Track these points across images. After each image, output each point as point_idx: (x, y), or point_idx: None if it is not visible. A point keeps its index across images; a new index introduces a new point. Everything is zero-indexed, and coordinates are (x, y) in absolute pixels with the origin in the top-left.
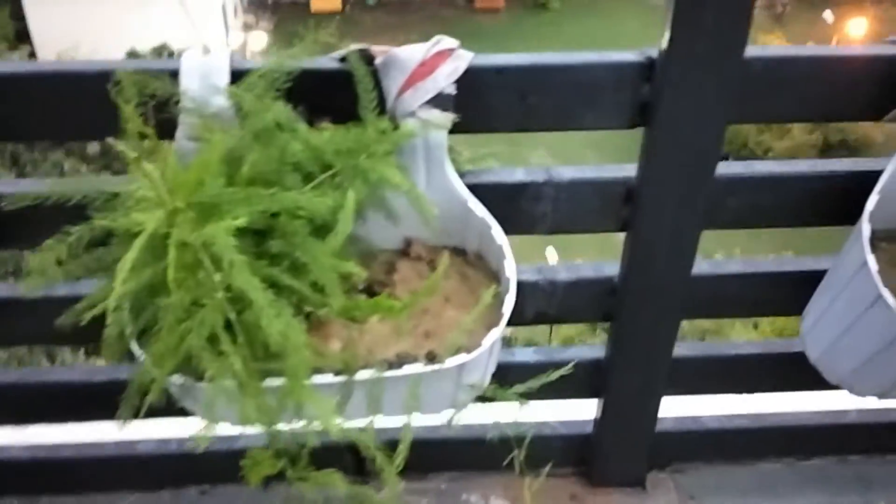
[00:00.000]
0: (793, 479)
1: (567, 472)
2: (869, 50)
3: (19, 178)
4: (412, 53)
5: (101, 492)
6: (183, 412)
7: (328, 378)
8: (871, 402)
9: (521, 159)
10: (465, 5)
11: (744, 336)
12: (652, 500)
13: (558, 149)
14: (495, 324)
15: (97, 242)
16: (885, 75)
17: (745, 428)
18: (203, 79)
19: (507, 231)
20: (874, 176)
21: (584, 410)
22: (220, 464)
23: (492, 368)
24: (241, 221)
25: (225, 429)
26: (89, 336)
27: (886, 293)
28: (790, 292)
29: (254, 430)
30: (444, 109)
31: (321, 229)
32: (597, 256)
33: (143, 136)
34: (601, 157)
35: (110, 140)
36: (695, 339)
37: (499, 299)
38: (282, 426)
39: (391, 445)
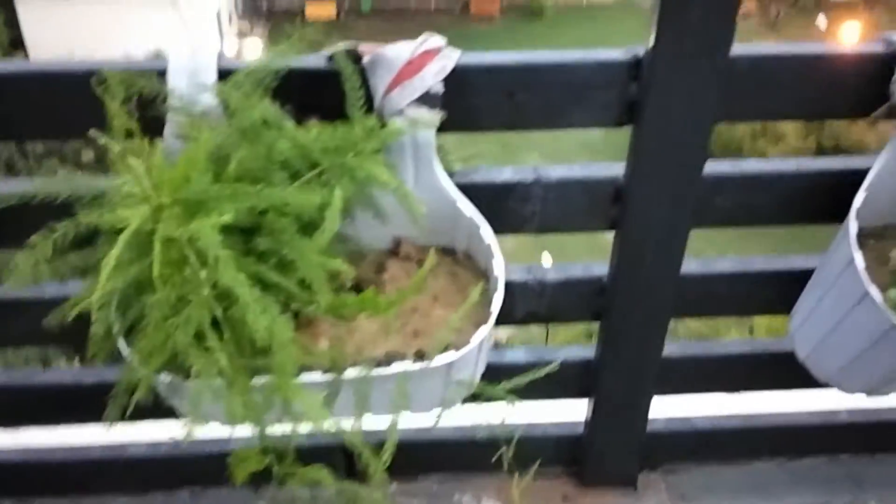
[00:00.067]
0: (784, 478)
1: (559, 473)
2: (854, 48)
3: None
4: (399, 52)
5: (92, 494)
6: (173, 414)
7: (316, 376)
8: (862, 402)
9: (514, 162)
10: (461, 13)
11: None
12: (643, 501)
13: (551, 150)
14: (484, 322)
15: (85, 242)
16: (870, 73)
17: (736, 428)
18: (191, 77)
19: (496, 230)
20: (861, 174)
21: (575, 411)
22: (211, 466)
23: (481, 367)
24: (227, 217)
25: (216, 431)
26: (78, 337)
27: (873, 290)
28: (779, 291)
29: (243, 430)
30: (432, 108)
31: (309, 227)
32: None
33: (129, 134)
34: (595, 158)
35: (94, 134)
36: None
37: (487, 298)
38: (271, 426)
39: (383, 446)
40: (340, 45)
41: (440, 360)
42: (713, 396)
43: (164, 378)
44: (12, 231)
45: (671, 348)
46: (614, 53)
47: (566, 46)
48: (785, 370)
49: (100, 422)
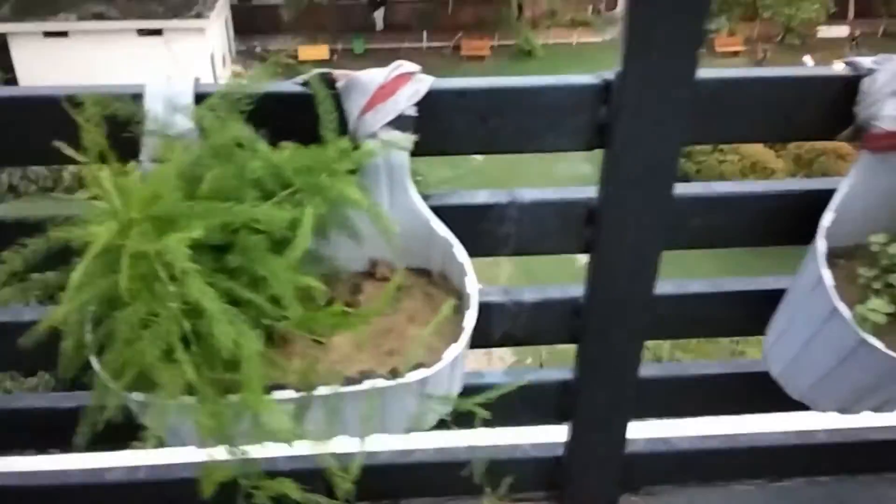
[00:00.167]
0: (764, 500)
1: (540, 497)
2: (818, 71)
3: None
4: (373, 76)
5: None
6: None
7: (288, 393)
8: (840, 422)
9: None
10: (452, 53)
11: None
12: None
13: (545, 184)
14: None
15: (63, 263)
16: (834, 96)
17: (716, 449)
18: (167, 101)
19: (472, 253)
20: (830, 195)
21: (555, 434)
22: (188, 490)
23: (457, 385)
24: (197, 233)
25: (193, 455)
26: (53, 359)
27: (841, 306)
28: (753, 311)
29: (220, 453)
30: (405, 131)
31: (281, 245)
32: None
33: (103, 157)
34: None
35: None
36: None
37: (462, 316)
38: (243, 445)
39: (364, 470)
40: (314, 71)
41: (412, 376)
42: (694, 417)
43: (137, 397)
44: None
45: (648, 369)
46: (584, 78)
47: None
48: (762, 391)
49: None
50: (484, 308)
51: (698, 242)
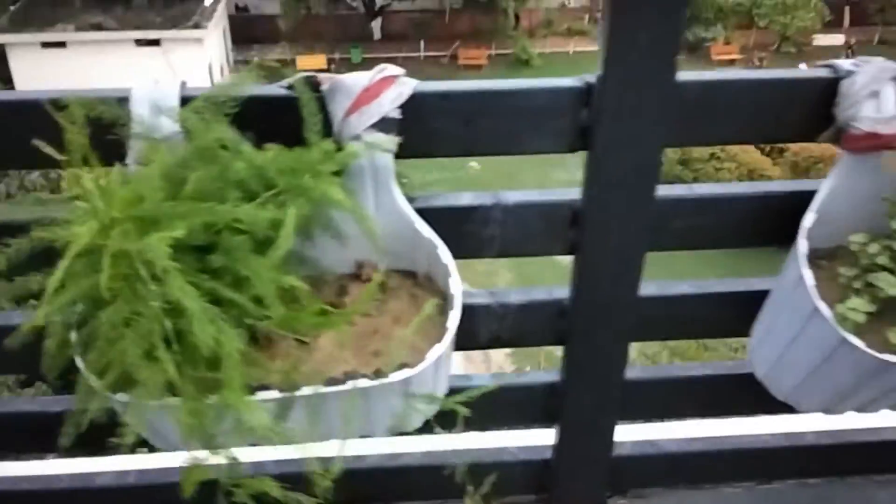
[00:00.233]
0: (753, 502)
1: (528, 500)
2: (799, 74)
3: None
4: (357, 79)
5: None
6: (143, 443)
7: (271, 393)
8: (828, 424)
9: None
10: (449, 62)
11: None
12: None
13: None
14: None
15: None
16: (816, 98)
17: (704, 451)
18: (153, 105)
19: (458, 254)
20: (813, 196)
21: (543, 436)
22: (177, 495)
23: (442, 386)
24: (178, 233)
25: (182, 459)
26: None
27: (822, 305)
28: (739, 312)
29: (205, 456)
30: (389, 133)
31: (264, 245)
32: None
33: (86, 160)
34: None
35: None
36: None
37: (447, 317)
38: (227, 446)
39: (352, 473)
40: (299, 74)
41: (396, 376)
42: (680, 419)
43: (122, 398)
44: None
45: (634, 371)
46: (566, 81)
47: None
48: (749, 392)
49: (67, 451)
50: (470, 310)
51: (682, 244)
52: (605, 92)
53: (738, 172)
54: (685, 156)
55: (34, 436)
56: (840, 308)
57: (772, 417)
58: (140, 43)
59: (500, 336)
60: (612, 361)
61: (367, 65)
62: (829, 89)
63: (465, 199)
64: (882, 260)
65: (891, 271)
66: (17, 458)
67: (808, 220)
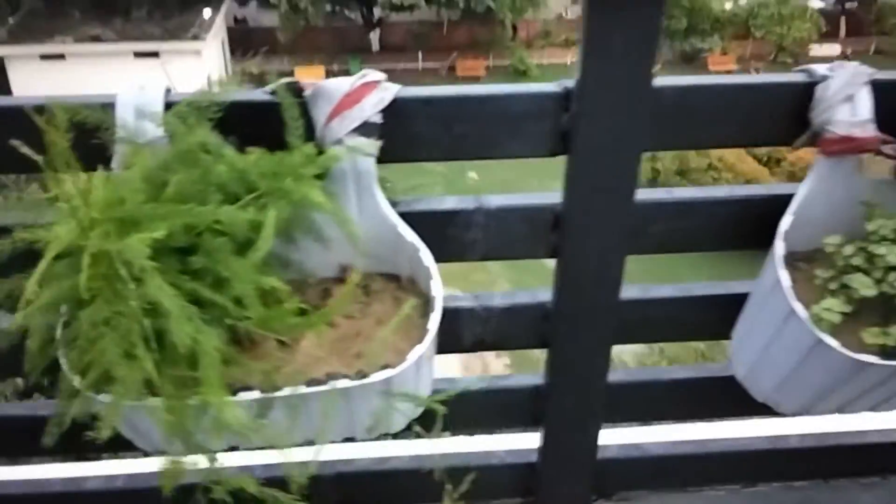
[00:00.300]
0: None
1: (515, 503)
2: (776, 78)
3: None
4: (339, 84)
5: None
6: (130, 446)
7: (252, 394)
8: (812, 427)
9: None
10: (447, 74)
11: None
12: None
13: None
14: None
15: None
16: (792, 102)
17: (689, 454)
18: (138, 110)
19: (441, 258)
20: (789, 199)
21: (529, 440)
22: (166, 498)
23: (424, 388)
24: (159, 233)
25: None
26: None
27: (798, 306)
28: (720, 315)
29: (198, 460)
30: (371, 137)
31: (245, 247)
32: None
33: (69, 164)
34: None
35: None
36: None
37: (428, 318)
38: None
39: (340, 477)
40: (283, 80)
41: (377, 376)
42: (665, 423)
43: (104, 398)
44: None
45: (617, 374)
46: (546, 86)
47: None
48: (731, 394)
49: (55, 455)
50: (455, 313)
51: (663, 247)
52: (583, 96)
53: (735, 182)
54: (683, 167)
55: (23, 440)
56: (815, 309)
57: (756, 421)
58: (139, 55)
59: (484, 339)
60: (595, 364)
61: None
62: (804, 94)
63: (449, 203)
64: (857, 261)
65: (865, 272)
66: (6, 463)
67: (786, 222)
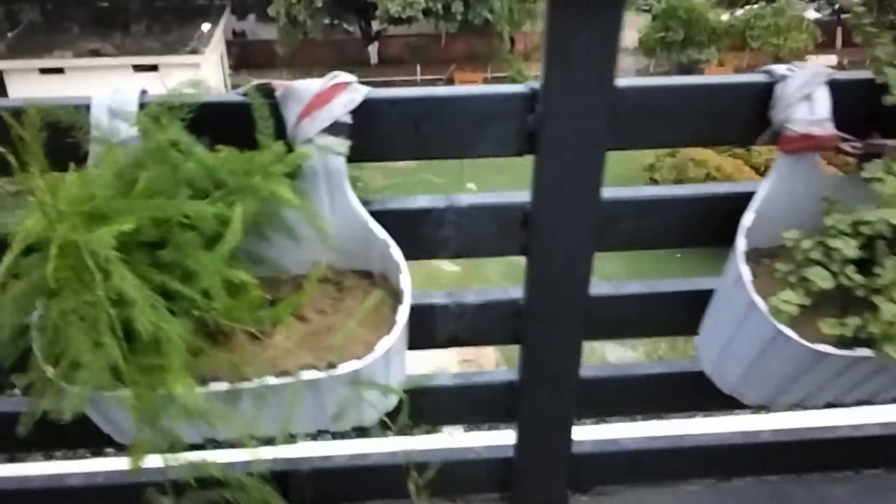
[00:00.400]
0: (712, 499)
1: (492, 498)
2: (737, 79)
3: None
4: (309, 85)
5: None
6: (112, 443)
7: (220, 385)
8: (784, 423)
9: None
10: (446, 84)
11: None
12: None
13: None
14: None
15: None
16: (754, 102)
17: (664, 449)
18: (112, 110)
19: (414, 255)
20: (752, 197)
21: (506, 436)
22: (146, 495)
23: (395, 380)
24: (126, 226)
25: (151, 461)
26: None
27: (758, 299)
28: (688, 312)
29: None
30: (341, 137)
31: (213, 241)
32: None
33: (41, 163)
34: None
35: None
36: None
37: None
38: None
39: (319, 473)
40: (254, 82)
41: (345, 367)
42: (637, 416)
43: (69, 387)
44: None
45: (589, 370)
46: (512, 87)
47: None
48: (702, 389)
49: (35, 451)
50: (429, 310)
51: (630, 244)
52: (548, 97)
53: None
54: (680, 176)
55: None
56: (773, 301)
57: (730, 416)
58: (138, 69)
59: (457, 335)
60: (566, 360)
61: None
62: (765, 93)
63: (420, 202)
64: (815, 255)
65: (823, 265)
66: None
67: (748, 219)
